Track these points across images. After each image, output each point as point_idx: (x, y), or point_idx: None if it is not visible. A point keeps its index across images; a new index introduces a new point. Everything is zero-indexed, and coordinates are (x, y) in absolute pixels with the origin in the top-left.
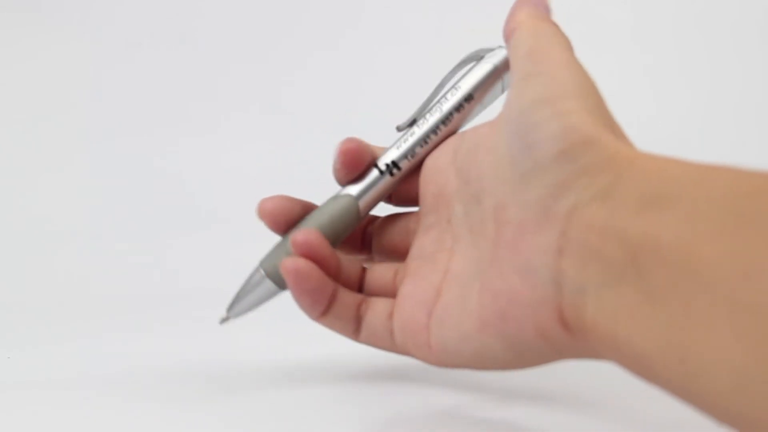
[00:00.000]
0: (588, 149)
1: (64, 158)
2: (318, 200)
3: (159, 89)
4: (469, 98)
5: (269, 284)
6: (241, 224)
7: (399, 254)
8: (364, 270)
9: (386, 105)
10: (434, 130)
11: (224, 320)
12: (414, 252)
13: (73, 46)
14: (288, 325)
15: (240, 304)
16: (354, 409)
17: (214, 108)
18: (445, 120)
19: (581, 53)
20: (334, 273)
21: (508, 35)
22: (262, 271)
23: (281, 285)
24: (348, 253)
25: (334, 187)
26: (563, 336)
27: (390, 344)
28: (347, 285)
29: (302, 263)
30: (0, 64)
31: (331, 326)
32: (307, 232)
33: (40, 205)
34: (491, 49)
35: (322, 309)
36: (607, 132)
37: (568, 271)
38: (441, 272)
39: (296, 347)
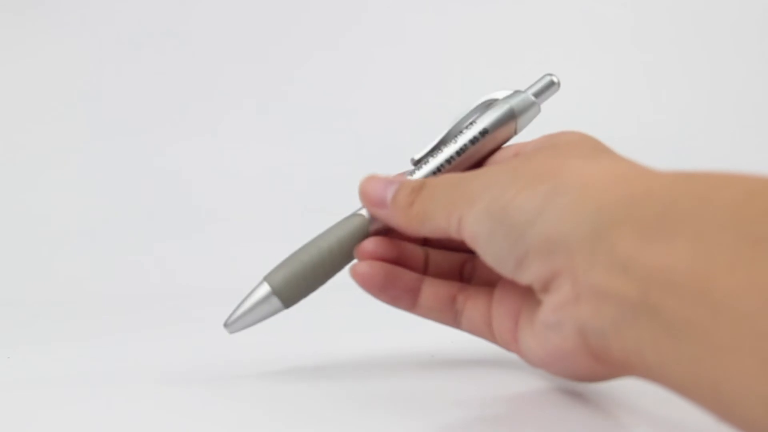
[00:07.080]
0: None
1: (63, 158)
2: (316, 199)
3: (158, 89)
4: (484, 132)
5: (274, 301)
6: (240, 224)
7: None
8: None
9: (385, 105)
10: (449, 160)
11: (228, 329)
12: None
13: (72, 45)
14: (288, 325)
15: (241, 320)
16: (353, 408)
17: (214, 107)
18: (460, 151)
19: (581, 53)
20: (410, 265)
21: None
22: (268, 287)
23: (287, 302)
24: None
25: (332, 187)
26: (607, 370)
27: (491, 337)
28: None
29: (365, 266)
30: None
31: (427, 317)
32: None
33: (40, 204)
34: (508, 94)
35: (408, 302)
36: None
37: (586, 317)
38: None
39: (296, 346)
